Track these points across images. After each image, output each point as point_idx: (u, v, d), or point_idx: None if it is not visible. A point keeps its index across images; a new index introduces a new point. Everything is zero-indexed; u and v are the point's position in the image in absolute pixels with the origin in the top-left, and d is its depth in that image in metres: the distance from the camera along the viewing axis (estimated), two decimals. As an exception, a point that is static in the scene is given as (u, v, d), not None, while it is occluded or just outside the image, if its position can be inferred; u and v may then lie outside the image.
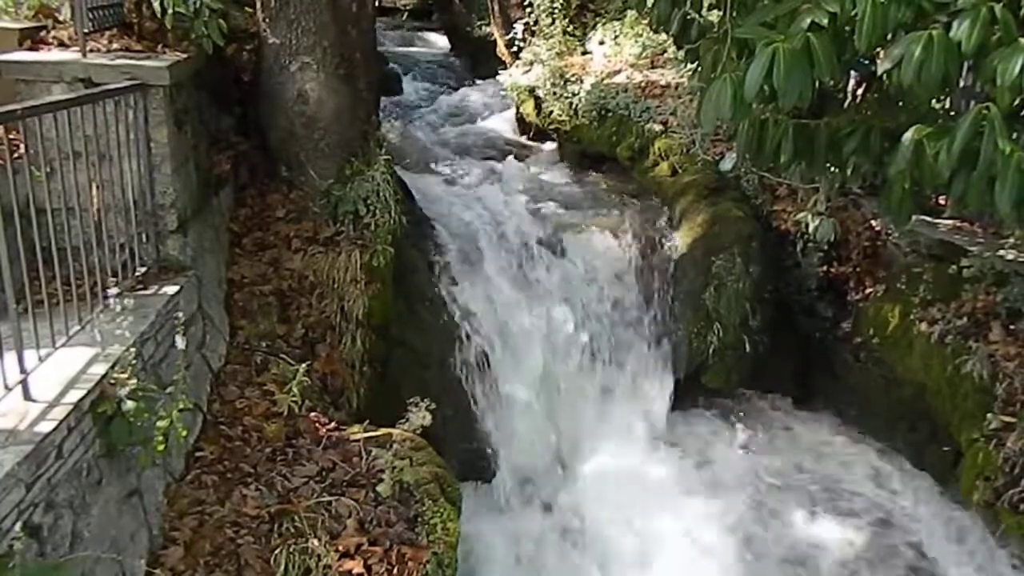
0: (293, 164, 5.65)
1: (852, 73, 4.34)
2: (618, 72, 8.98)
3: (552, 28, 9.81)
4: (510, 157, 9.37)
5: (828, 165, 3.18)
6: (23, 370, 3.07)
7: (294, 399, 4.50)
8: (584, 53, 9.78)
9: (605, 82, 8.84)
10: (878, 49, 2.48)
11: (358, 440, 4.38)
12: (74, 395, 3.14)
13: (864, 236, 6.38)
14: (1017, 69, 2.12)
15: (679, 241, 6.85)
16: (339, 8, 5.51)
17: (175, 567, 3.49)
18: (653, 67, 8.94)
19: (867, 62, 3.71)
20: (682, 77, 8.23)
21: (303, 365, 4.65)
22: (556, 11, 9.85)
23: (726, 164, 7.25)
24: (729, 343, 6.41)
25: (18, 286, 3.14)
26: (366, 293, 5.33)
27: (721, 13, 3.13)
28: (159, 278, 4.32)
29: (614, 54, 9.36)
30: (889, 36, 2.36)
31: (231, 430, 4.34)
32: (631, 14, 9.19)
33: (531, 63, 9.94)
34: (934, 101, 3.32)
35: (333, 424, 4.54)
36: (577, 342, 6.58)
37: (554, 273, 6.69)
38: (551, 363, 6.45)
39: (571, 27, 9.93)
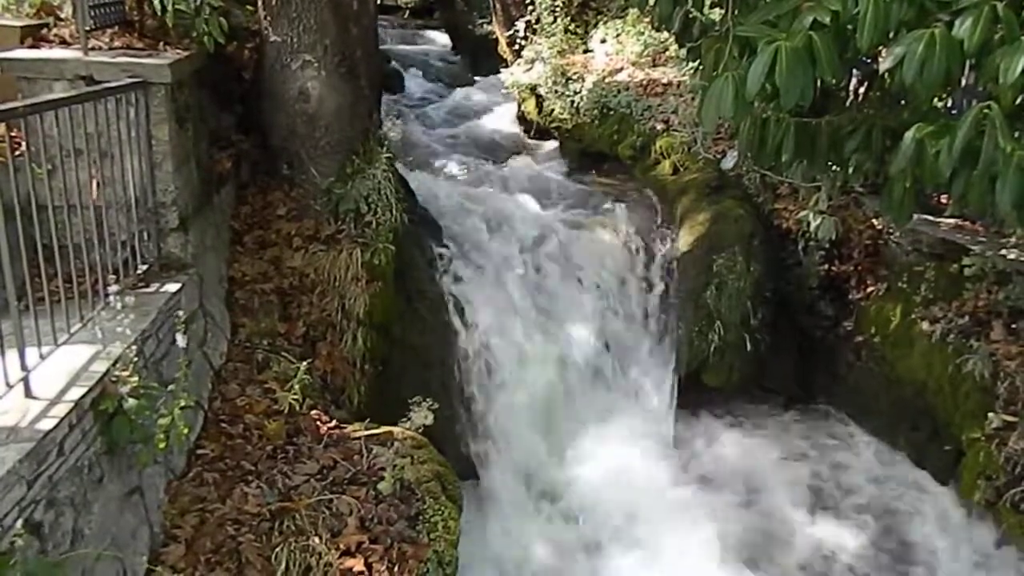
0: (294, 162, 5.65)
1: (854, 72, 4.34)
2: (620, 70, 8.98)
3: (554, 26, 9.81)
4: (511, 155, 9.37)
5: (829, 164, 3.18)
6: (24, 367, 3.07)
7: (295, 397, 4.50)
8: (586, 51, 9.79)
9: (607, 80, 8.84)
10: (880, 47, 2.48)
11: (359, 438, 4.39)
12: (75, 393, 3.14)
13: (865, 235, 6.38)
14: (1019, 68, 2.11)
15: (680, 240, 6.85)
16: (340, 6, 5.51)
17: (176, 565, 3.50)
18: (655, 65, 8.95)
19: (869, 61, 3.71)
20: (683, 75, 8.24)
21: (304, 363, 4.65)
22: (558, 9, 9.85)
23: (727, 163, 7.29)
24: (730, 341, 6.40)
25: (19, 283, 3.14)
26: (367, 291, 5.33)
27: (723, 11, 3.13)
28: (160, 276, 4.32)
29: (616, 52, 9.36)
30: (891, 34, 2.36)
31: (232, 428, 4.35)
32: (633, 12, 9.19)
33: (532, 61, 9.94)
34: (936, 100, 3.32)
35: (334, 422, 4.55)
36: (578, 340, 6.58)
37: (555, 271, 6.69)
38: (552, 362, 6.45)
39: (573, 25, 9.93)
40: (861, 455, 6.26)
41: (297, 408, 4.50)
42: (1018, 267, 5.35)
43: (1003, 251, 5.47)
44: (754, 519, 5.73)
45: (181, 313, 4.01)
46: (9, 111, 3.03)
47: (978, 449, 5.03)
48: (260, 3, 5.42)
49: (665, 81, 8.54)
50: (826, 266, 6.53)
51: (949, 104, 5.10)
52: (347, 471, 4.17)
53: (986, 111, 2.26)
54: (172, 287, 4.21)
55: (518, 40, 10.39)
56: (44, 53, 4.37)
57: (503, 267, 6.58)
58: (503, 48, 11.51)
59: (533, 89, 9.81)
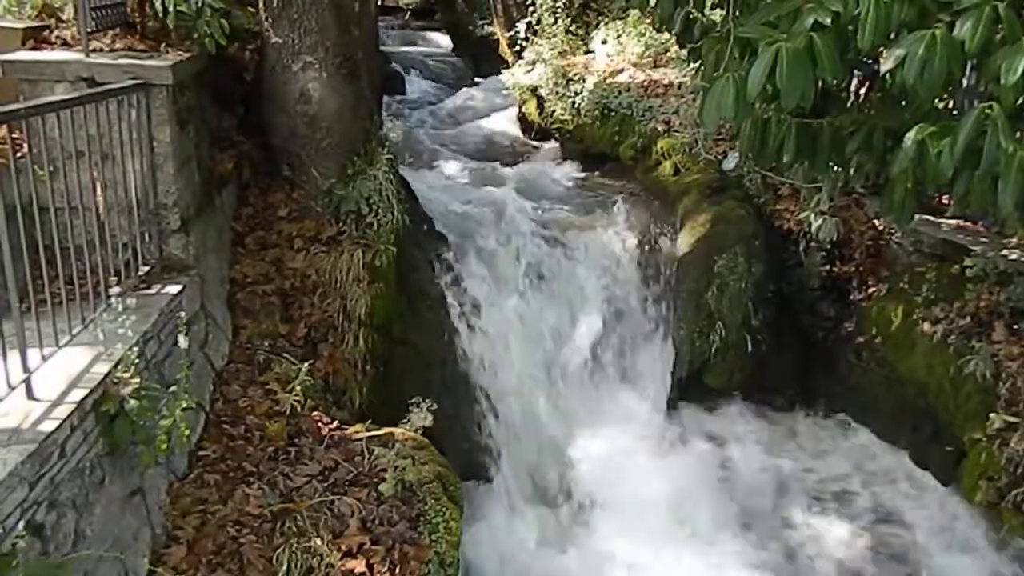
0: (295, 163, 5.66)
1: (855, 72, 4.33)
2: (620, 71, 8.98)
3: (554, 27, 9.81)
4: (512, 156, 9.38)
5: (831, 164, 3.17)
6: (26, 369, 3.08)
7: (296, 398, 4.51)
8: (587, 52, 9.79)
9: (607, 81, 8.84)
10: (881, 48, 2.48)
11: (360, 439, 4.39)
12: (77, 394, 3.15)
13: (867, 235, 6.38)
14: (1021, 68, 2.11)
15: (681, 240, 6.85)
16: (341, 7, 5.51)
17: (178, 566, 3.50)
18: (656, 66, 8.95)
19: (870, 61, 3.71)
20: (684, 76, 8.24)
21: (305, 364, 4.66)
22: (559, 10, 9.85)
23: (728, 163, 7.29)
24: (731, 342, 6.40)
25: (21, 285, 3.14)
26: (368, 292, 5.33)
27: (724, 12, 3.13)
28: (162, 277, 4.32)
29: (616, 53, 9.36)
30: (892, 35, 2.36)
31: (234, 429, 4.35)
32: (634, 13, 9.19)
33: (533, 62, 9.94)
34: (937, 100, 3.32)
35: (335, 423, 4.55)
36: (579, 341, 6.58)
37: (556, 273, 6.69)
38: (553, 363, 6.45)
39: (573, 26, 9.93)
40: (862, 456, 6.25)
41: (298, 409, 4.51)
42: (1020, 267, 5.34)
43: (1005, 252, 5.46)
44: (754, 518, 5.73)
45: (183, 315, 4.02)
46: (11, 113, 3.03)
47: (980, 450, 5.03)
48: (261, 5, 5.43)
49: (666, 82, 8.54)
50: (827, 267, 6.52)
51: (950, 105, 5.10)
52: (348, 472, 4.17)
53: (987, 112, 2.26)
54: (173, 288, 4.21)
55: (519, 41, 10.39)
56: (46, 55, 4.38)
57: (503, 268, 6.58)
58: (504, 49, 11.51)
59: (534, 90, 9.81)
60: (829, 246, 6.42)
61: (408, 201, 6.19)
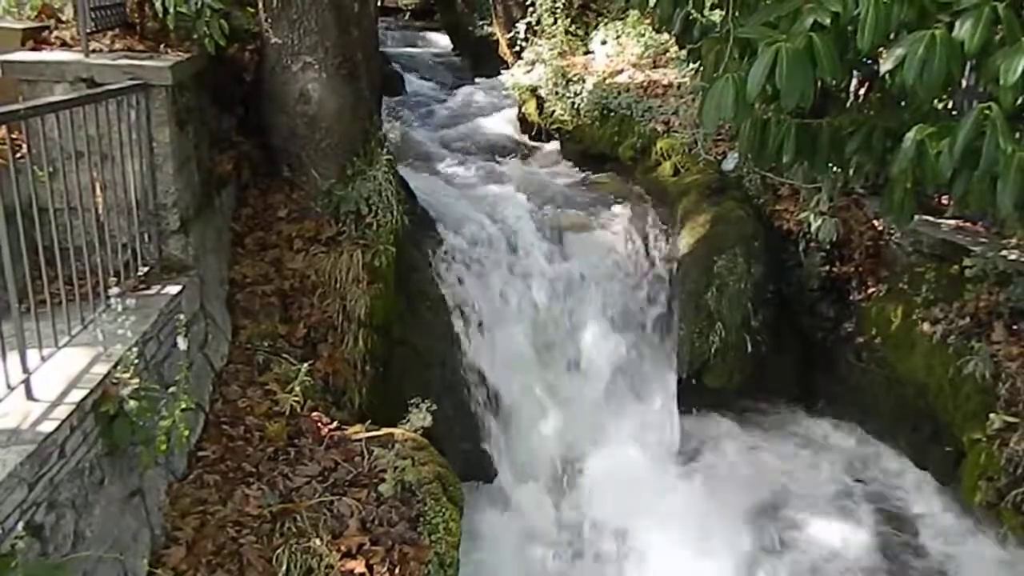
0: (295, 164, 5.66)
1: (854, 73, 4.34)
2: (620, 72, 8.99)
3: (554, 28, 9.81)
4: (512, 156, 9.38)
5: (830, 165, 3.18)
6: (26, 370, 3.08)
7: (296, 399, 4.51)
8: (586, 53, 9.79)
9: (607, 82, 8.85)
10: (880, 49, 2.48)
11: (360, 440, 4.39)
12: (76, 395, 3.15)
13: (866, 236, 6.37)
14: (1020, 69, 2.11)
15: (681, 241, 6.85)
16: (341, 8, 5.51)
17: (177, 567, 3.50)
18: (655, 67, 8.95)
19: (870, 62, 3.72)
20: (684, 77, 8.23)
21: (305, 365, 4.66)
22: (558, 11, 9.86)
23: (728, 164, 7.29)
24: (731, 343, 6.40)
25: (21, 286, 3.14)
26: (368, 293, 5.33)
27: (723, 13, 3.13)
28: (161, 278, 4.32)
29: (616, 54, 9.36)
30: (892, 36, 2.36)
31: (233, 430, 4.35)
32: (633, 14, 9.20)
33: (533, 63, 9.94)
34: (936, 101, 3.32)
35: (335, 424, 4.55)
36: (579, 341, 6.58)
37: (556, 273, 6.69)
38: (553, 362, 6.45)
39: (573, 27, 9.93)
40: (862, 456, 6.25)
41: (298, 410, 4.51)
42: (1019, 268, 5.34)
43: (1004, 252, 5.46)
44: (756, 520, 5.72)
45: (182, 315, 4.02)
46: (10, 113, 3.03)
47: (979, 450, 5.03)
48: (261, 5, 5.43)
49: (666, 82, 8.54)
50: (827, 267, 6.52)
51: (950, 105, 5.10)
52: (348, 473, 4.17)
53: (986, 112, 2.26)
54: (173, 289, 4.21)
55: (519, 42, 10.39)
56: (45, 55, 4.38)
57: (504, 269, 6.58)
58: (504, 50, 11.51)
59: (534, 90, 9.81)
60: (829, 246, 6.42)
61: (407, 201, 6.19)
